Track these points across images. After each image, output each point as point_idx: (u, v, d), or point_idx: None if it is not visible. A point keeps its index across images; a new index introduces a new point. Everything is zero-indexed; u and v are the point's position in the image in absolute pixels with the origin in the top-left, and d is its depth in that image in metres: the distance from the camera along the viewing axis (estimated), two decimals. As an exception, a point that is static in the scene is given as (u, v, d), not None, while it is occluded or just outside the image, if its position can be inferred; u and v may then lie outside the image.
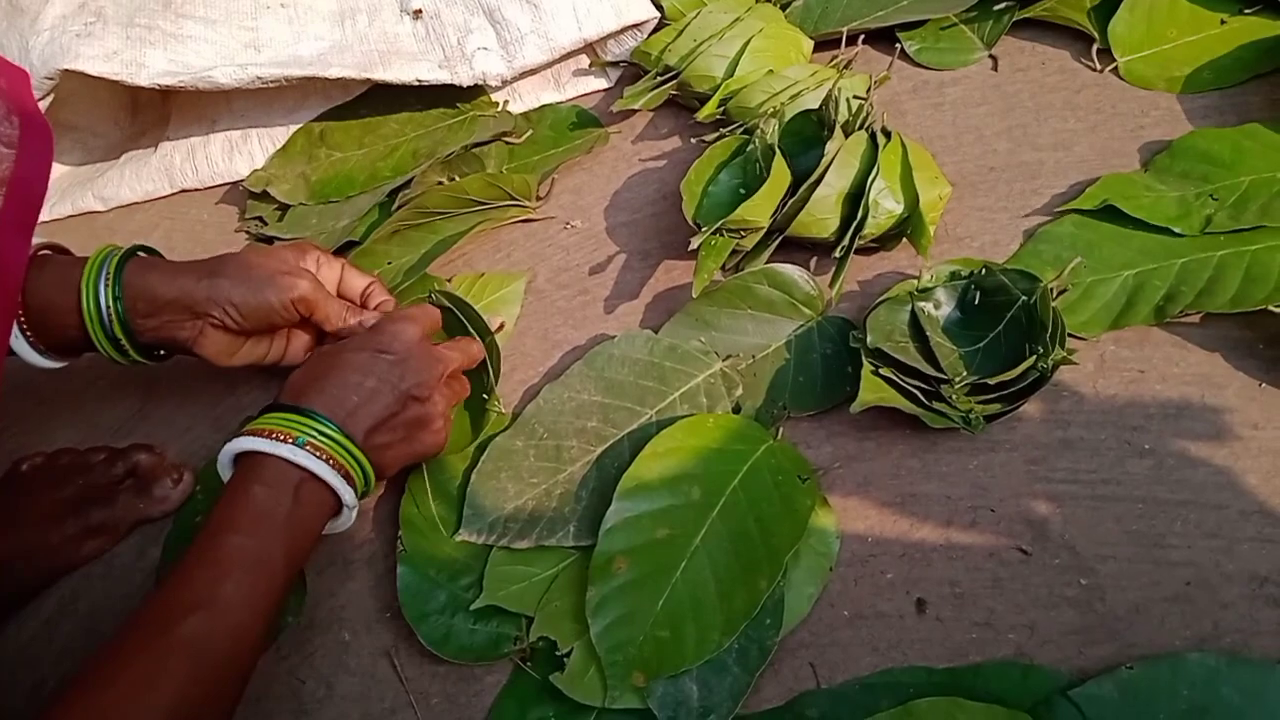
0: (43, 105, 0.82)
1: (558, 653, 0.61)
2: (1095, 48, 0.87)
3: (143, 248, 0.69)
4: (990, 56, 0.90)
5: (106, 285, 0.64)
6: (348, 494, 0.60)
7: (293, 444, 0.58)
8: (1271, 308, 0.66)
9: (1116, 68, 0.86)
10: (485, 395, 0.72)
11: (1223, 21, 0.86)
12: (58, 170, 0.99)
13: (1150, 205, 0.75)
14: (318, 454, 0.58)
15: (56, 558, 0.71)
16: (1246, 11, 0.85)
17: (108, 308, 0.64)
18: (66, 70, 0.77)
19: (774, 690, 0.60)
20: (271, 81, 0.82)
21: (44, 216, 0.96)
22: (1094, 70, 0.87)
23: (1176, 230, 0.73)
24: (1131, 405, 0.67)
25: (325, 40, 0.86)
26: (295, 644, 0.66)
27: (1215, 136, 0.77)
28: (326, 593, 0.68)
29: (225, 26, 0.83)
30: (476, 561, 0.66)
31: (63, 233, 0.96)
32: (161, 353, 0.70)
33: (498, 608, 0.64)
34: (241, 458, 0.59)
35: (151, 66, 0.78)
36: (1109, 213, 0.75)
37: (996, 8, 0.90)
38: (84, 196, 0.95)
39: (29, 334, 0.64)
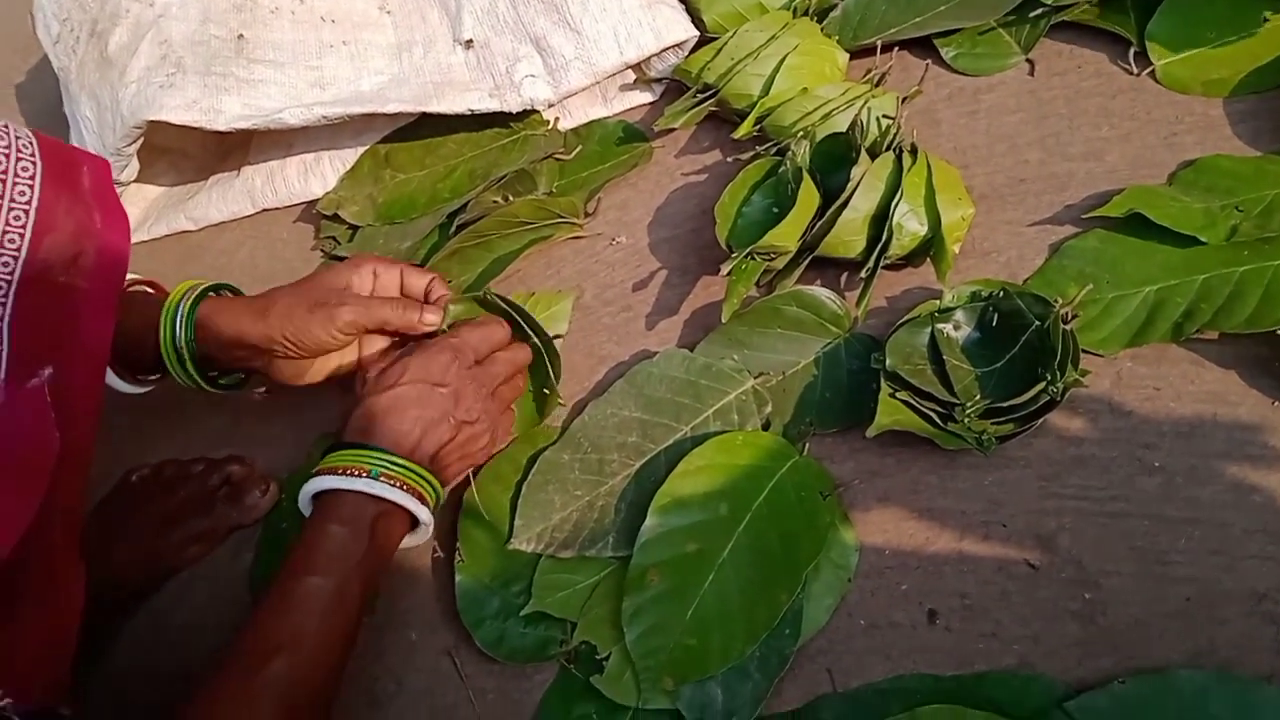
0: (134, 148, 0.90)
1: (597, 656, 0.68)
2: (1132, 51, 0.88)
3: (215, 287, 0.76)
4: (1027, 61, 0.91)
5: (181, 327, 0.72)
6: (423, 512, 0.67)
7: (367, 477, 0.64)
8: (1285, 329, 0.68)
9: (1154, 71, 0.87)
10: (546, 390, 0.79)
11: (1264, 19, 0.85)
12: (154, 192, 1.08)
13: (1176, 214, 0.76)
14: (393, 482, 0.64)
15: (166, 563, 0.80)
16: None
17: (181, 347, 0.72)
18: (152, 121, 0.85)
19: (793, 693, 0.66)
20: (335, 119, 0.88)
21: (143, 237, 1.05)
22: (1131, 74, 0.87)
23: (1202, 239, 0.75)
24: (1145, 423, 0.70)
25: (384, 74, 0.92)
26: (369, 642, 0.74)
27: (1239, 159, 0.78)
28: (397, 595, 0.76)
29: (293, 68, 0.90)
30: (527, 570, 0.73)
31: (160, 251, 1.05)
32: (243, 376, 0.78)
33: (545, 613, 0.70)
34: (318, 497, 0.65)
35: (228, 112, 0.86)
36: (1134, 226, 0.76)
37: (1033, 14, 0.91)
38: (177, 218, 1.04)
39: (113, 365, 0.72)
